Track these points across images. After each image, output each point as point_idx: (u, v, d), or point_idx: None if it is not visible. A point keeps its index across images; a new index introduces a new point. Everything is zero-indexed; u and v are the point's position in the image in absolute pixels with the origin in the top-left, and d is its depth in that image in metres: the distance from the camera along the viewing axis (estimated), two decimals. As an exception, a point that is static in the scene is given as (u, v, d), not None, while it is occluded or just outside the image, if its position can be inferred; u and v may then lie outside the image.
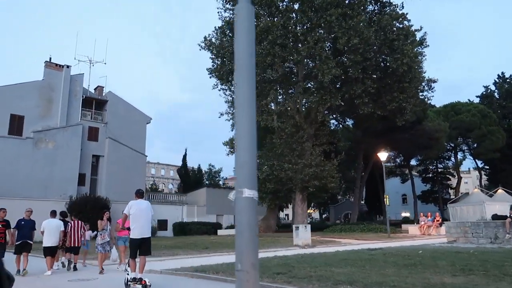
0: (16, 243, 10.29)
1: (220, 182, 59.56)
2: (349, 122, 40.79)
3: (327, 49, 22.22)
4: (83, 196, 31.01)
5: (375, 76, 24.34)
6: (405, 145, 41.31)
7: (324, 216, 69.92)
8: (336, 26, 21.65)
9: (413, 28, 23.88)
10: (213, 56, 32.80)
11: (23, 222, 10.97)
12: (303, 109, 26.30)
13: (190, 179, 49.52)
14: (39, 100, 32.07)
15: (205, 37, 36.94)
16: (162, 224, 36.36)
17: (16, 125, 30.59)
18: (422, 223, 22.17)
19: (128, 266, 7.52)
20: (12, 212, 26.48)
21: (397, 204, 65.52)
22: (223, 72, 28.26)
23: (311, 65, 24.79)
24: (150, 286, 7.07)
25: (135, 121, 37.41)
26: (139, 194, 7.92)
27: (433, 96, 30.13)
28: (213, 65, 35.94)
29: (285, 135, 24.62)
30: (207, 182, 54.22)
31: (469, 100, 53.42)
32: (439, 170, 56.13)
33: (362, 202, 71.15)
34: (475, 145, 48.83)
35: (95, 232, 10.98)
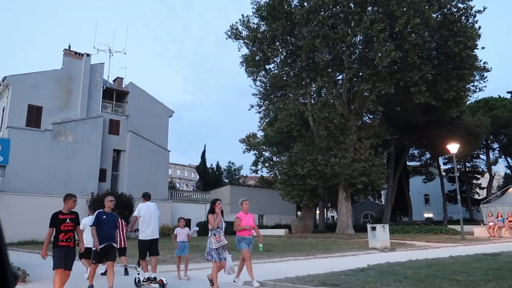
0: (100, 246, 6.94)
1: (240, 181, 57.36)
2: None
3: (383, 30, 19.97)
4: (105, 192, 28.89)
5: (431, 62, 22.03)
6: (440, 142, 38.94)
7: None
8: (394, 4, 19.48)
9: (474, 10, 21.63)
10: (248, 42, 30.61)
11: (104, 217, 7.18)
12: (350, 97, 24.04)
13: (210, 177, 47.39)
14: (58, 90, 30.01)
15: (231, 26, 34.92)
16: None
17: (34, 116, 28.54)
18: (491, 224, 19.96)
19: (139, 266, 7.84)
20: (30, 209, 24.47)
21: (419, 204, 63.14)
22: (259, 59, 26.09)
23: (360, 48, 22.43)
24: (166, 284, 7.19)
25: (157, 114, 35.31)
26: (147, 197, 8.35)
27: (485, 86, 27.55)
28: (244, 56, 33.90)
29: (332, 126, 22.46)
30: (226, 180, 52.09)
31: (499, 96, 51.05)
32: (467, 169, 53.76)
33: (380, 202, 68.96)
34: (505, 141, 46.49)
35: (194, 229, 8.47)
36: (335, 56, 22.44)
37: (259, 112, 33.76)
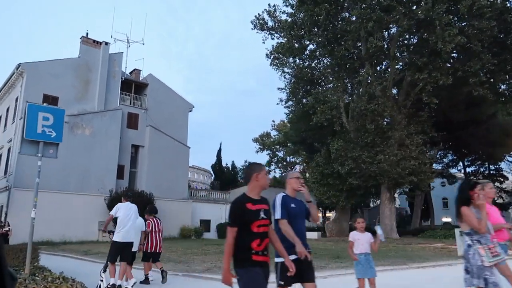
0: None
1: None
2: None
3: (446, 12, 17.98)
4: (124, 190, 26.86)
5: (490, 51, 20.04)
6: (471, 141, 36.89)
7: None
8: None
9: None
10: (280, 31, 28.79)
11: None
12: (397, 89, 22.02)
13: (225, 176, 45.38)
14: (74, 80, 28.03)
15: (257, 16, 33.10)
16: (205, 225, 32.20)
17: (49, 107, 26.51)
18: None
19: (104, 271, 7.27)
20: (45, 206, 22.40)
21: (438, 209, 61.00)
22: (293, 48, 24.11)
23: (414, 33, 20.28)
24: None
25: (176, 108, 33.32)
26: (127, 197, 7.80)
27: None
28: (278, 44, 32.02)
29: (381, 120, 20.48)
30: (242, 181, 50.03)
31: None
32: (491, 172, 51.64)
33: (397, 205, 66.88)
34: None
35: (380, 233, 5.11)
36: (383, 44, 20.43)
37: (288, 107, 31.74)
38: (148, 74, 32.61)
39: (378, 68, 22.93)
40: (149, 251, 8.70)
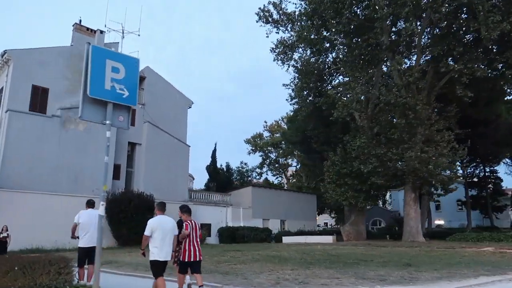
0: None
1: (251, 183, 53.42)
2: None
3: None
4: (125, 191, 24.53)
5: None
6: (477, 142, 36.12)
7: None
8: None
9: None
10: (285, 27, 27.48)
11: None
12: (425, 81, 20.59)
13: (221, 178, 43.29)
14: (66, 71, 25.49)
15: (261, 8, 31.52)
16: (205, 229, 29.98)
17: (39, 99, 23.95)
18: None
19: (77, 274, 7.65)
20: (34, 209, 19.92)
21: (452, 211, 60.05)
22: (310, 39, 22.48)
23: (450, 19, 18.77)
24: None
25: (175, 104, 31.14)
26: (90, 204, 8.57)
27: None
28: (277, 40, 30.51)
29: (412, 114, 19.02)
30: (236, 182, 48.06)
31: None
32: (486, 173, 51.38)
33: (388, 207, 66.11)
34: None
35: None
36: (411, 32, 18.94)
37: (295, 104, 30.08)
38: (145, 67, 30.28)
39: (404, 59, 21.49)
40: (186, 260, 7.28)
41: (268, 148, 58.00)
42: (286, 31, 31.21)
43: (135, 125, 28.18)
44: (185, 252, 7.48)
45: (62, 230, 22.10)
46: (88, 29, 27.03)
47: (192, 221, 8.09)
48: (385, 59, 21.41)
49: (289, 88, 32.09)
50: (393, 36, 20.98)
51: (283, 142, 57.03)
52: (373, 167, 20.41)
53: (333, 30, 20.08)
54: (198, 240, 8.08)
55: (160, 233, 6.63)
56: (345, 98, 20.77)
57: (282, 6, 30.60)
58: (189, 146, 30.80)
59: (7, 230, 14.58)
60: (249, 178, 53.71)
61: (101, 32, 27.35)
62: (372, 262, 11.20)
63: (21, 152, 21.98)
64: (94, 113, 4.22)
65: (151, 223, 6.69)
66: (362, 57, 20.53)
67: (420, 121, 19.49)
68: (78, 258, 7.78)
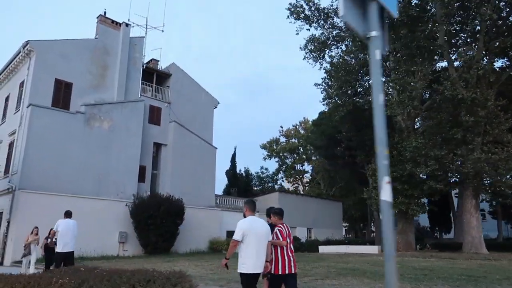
0: None
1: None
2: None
3: None
4: (153, 195, 22.66)
5: None
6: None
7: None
8: None
9: None
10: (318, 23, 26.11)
11: None
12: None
13: (240, 183, 41.40)
14: (91, 65, 23.81)
15: (292, 4, 30.02)
16: (231, 237, 27.96)
17: (62, 94, 22.21)
18: None
19: None
20: (59, 212, 18.12)
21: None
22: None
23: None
24: None
25: (201, 103, 29.37)
26: (68, 215, 9.45)
27: None
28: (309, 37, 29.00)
29: (481, 111, 17.17)
30: (257, 188, 46.14)
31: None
32: None
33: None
34: None
35: None
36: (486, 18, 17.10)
37: (328, 104, 28.28)
38: (171, 64, 28.61)
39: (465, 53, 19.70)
40: (280, 272, 5.74)
41: (284, 154, 56.13)
42: (319, 28, 29.67)
43: (160, 124, 26.43)
44: (278, 262, 5.79)
45: (88, 236, 20.30)
46: (113, 21, 25.36)
47: (285, 226, 6.37)
48: (438, 52, 19.64)
49: (320, 88, 30.40)
50: (451, 28, 19.24)
51: (300, 148, 55.25)
52: (431, 170, 18.56)
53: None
54: (293, 248, 6.36)
55: (253, 239, 5.35)
56: (390, 97, 18.90)
57: (315, 1, 29.10)
58: (216, 148, 28.96)
59: (54, 235, 12.51)
60: (269, 184, 51.74)
61: (127, 25, 25.70)
62: (486, 278, 9.29)
63: (44, 150, 20.18)
64: (354, 16, 2.35)
65: (243, 226, 5.45)
66: (421, 50, 18.76)
67: (488, 119, 17.65)
68: (56, 262, 8.87)
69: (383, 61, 25.95)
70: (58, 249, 8.82)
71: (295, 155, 56.32)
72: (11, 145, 21.98)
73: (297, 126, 55.96)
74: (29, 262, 12.77)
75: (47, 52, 21.93)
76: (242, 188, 41.09)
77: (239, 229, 5.43)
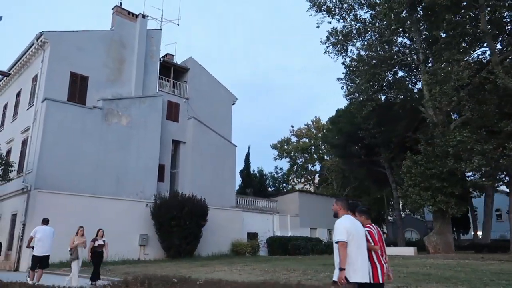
0: None
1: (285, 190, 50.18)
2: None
3: None
4: (175, 195, 21.34)
5: None
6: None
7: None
8: None
9: None
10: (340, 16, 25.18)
11: None
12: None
13: (254, 183, 40.12)
14: (107, 58, 22.55)
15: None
16: (251, 239, 26.63)
17: (77, 88, 20.93)
18: None
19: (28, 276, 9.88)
20: (77, 214, 16.82)
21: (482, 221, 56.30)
22: (390, 20, 19.48)
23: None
24: None
25: (220, 100, 28.12)
26: (45, 222, 10.36)
27: None
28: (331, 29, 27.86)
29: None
30: (270, 188, 44.85)
31: None
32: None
33: (423, 218, 62.44)
34: None
35: None
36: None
37: (351, 100, 27.03)
38: (188, 58, 27.34)
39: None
40: (380, 281, 4.81)
41: (295, 154, 54.84)
42: (341, 20, 28.50)
43: (179, 121, 25.15)
44: (377, 269, 4.89)
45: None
46: (129, 13, 24.13)
47: (375, 227, 5.21)
48: (481, 39, 18.38)
49: (342, 82, 29.19)
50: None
51: (312, 147, 53.99)
52: (477, 166, 17.30)
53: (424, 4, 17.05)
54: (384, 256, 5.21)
55: (356, 241, 4.58)
56: (441, 87, 17.56)
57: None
58: (236, 146, 27.67)
59: (102, 236, 11.17)
60: (284, 185, 50.48)
61: (144, 16, 24.46)
62: None
63: (60, 148, 18.89)
64: None
65: (346, 224, 4.59)
66: (461, 38, 17.55)
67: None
68: (32, 263, 9.84)
69: (410, 53, 24.62)
70: (35, 252, 9.76)
71: (306, 155, 55.07)
72: (24, 142, 20.68)
73: (309, 125, 54.66)
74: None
75: (62, 44, 20.67)
76: (256, 188, 39.84)
77: (343, 228, 4.53)
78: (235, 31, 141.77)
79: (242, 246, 23.95)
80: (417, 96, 24.00)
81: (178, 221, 19.85)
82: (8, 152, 21.95)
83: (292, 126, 57.49)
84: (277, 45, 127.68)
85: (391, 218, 57.24)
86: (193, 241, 20.73)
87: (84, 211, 18.59)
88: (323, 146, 52.87)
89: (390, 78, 25.51)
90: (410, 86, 25.89)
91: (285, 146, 55.34)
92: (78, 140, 19.61)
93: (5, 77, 24.80)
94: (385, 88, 26.09)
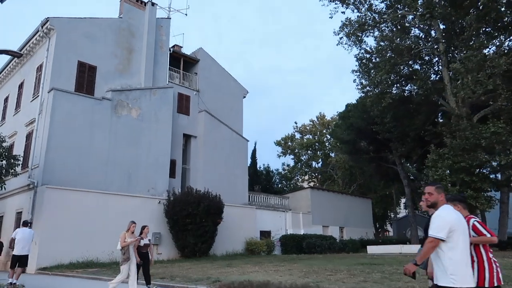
0: None
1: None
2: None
3: None
4: (189, 190, 20.19)
5: None
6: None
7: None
8: None
9: None
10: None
11: None
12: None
13: (261, 181, 39.06)
14: (115, 47, 21.37)
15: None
16: (264, 237, 25.58)
17: (85, 78, 19.73)
18: None
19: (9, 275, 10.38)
20: (88, 211, 15.70)
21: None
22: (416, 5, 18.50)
23: None
24: (24, 287, 9.90)
25: (230, 92, 27.04)
26: (25, 224, 10.94)
27: None
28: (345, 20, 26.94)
29: None
30: (276, 186, 43.81)
31: None
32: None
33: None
34: None
35: None
36: None
37: (370, 91, 26.01)
38: (198, 49, 26.21)
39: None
40: (495, 284, 3.89)
41: (300, 151, 53.82)
42: (356, 10, 27.49)
43: (189, 114, 24.02)
44: (493, 270, 3.96)
45: (118, 237, 17.86)
46: (138, 0, 22.93)
47: (476, 218, 4.27)
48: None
49: (357, 74, 28.20)
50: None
51: (317, 144, 53.02)
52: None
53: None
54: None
55: (462, 238, 3.66)
56: (475, 74, 16.61)
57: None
58: (248, 141, 26.61)
59: (146, 234, 9.08)
60: (291, 182, 49.49)
61: (153, 4, 23.29)
62: None
63: (68, 141, 17.71)
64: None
65: (449, 218, 3.61)
66: (495, 24, 16.63)
67: None
68: (11, 262, 10.38)
69: (430, 43, 23.61)
70: (15, 252, 10.21)
71: (309, 152, 54.08)
72: (29, 136, 19.46)
73: (314, 122, 53.66)
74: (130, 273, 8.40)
75: (69, 32, 19.47)
76: (263, 185, 38.79)
77: (445, 222, 3.57)
78: (229, 31, 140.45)
79: (257, 245, 22.90)
80: (438, 87, 23.05)
81: (194, 218, 18.75)
82: (11, 146, 20.69)
83: (296, 123, 56.57)
84: (271, 46, 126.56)
85: (397, 216, 56.55)
86: (209, 239, 19.64)
87: (94, 208, 17.49)
88: (327, 143, 51.96)
89: (408, 71, 24.57)
90: (429, 78, 24.98)
91: (289, 143, 54.29)
92: (87, 133, 18.45)
93: (7, 67, 23.54)
94: (402, 80, 25.17)
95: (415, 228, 34.21)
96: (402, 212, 61.15)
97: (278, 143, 54.96)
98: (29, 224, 11.42)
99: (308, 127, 54.45)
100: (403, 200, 61.61)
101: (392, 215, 54.41)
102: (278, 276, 9.78)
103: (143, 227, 8.91)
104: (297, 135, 55.42)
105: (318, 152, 53.66)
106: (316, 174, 55.35)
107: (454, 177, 19.33)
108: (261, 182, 38.64)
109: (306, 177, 54.95)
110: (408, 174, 35.61)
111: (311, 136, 54.45)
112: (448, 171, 19.37)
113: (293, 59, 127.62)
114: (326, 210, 31.10)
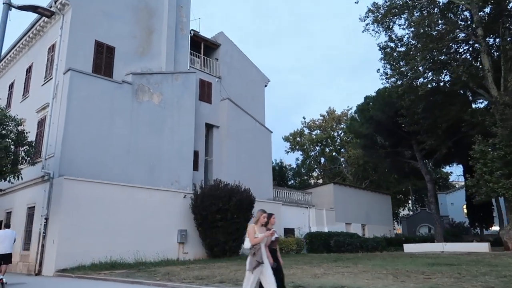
0: None
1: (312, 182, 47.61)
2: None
3: None
4: (216, 184, 18.41)
5: None
6: None
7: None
8: None
9: None
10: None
11: None
12: None
13: (275, 176, 37.28)
14: (135, 27, 19.51)
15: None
16: (289, 235, 23.91)
17: (103, 60, 17.85)
18: None
19: None
20: (111, 206, 13.81)
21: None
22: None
23: None
24: (6, 283, 10.61)
25: (252, 80, 25.31)
26: (6, 226, 11.88)
27: None
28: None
29: None
30: (292, 181, 42.17)
31: None
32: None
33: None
34: None
35: None
36: None
37: (403, 80, 24.43)
38: (219, 33, 24.42)
39: None
40: None
41: (310, 146, 52.18)
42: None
43: (211, 102, 22.24)
44: None
45: (146, 236, 16.06)
46: (156, -23, 21.05)
47: None
48: None
49: (384, 62, 26.62)
50: None
51: (328, 140, 51.41)
52: None
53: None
54: None
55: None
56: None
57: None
58: (272, 132, 24.89)
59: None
60: (305, 177, 47.85)
61: (173, -18, 21.41)
62: None
63: (87, 128, 15.87)
64: None
65: None
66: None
67: None
68: None
69: (467, 28, 22.01)
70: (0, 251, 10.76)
71: (318, 147, 52.49)
72: (41, 123, 17.57)
73: (324, 116, 52.07)
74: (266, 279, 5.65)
75: (85, 8, 17.59)
76: (277, 181, 37.15)
77: None
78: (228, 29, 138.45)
79: (287, 243, 21.22)
80: (478, 75, 21.58)
81: (225, 214, 17.01)
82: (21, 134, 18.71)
83: (304, 118, 54.91)
84: (268, 46, 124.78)
85: (409, 213, 55.25)
86: (240, 237, 17.88)
87: (117, 203, 15.71)
88: (338, 138, 50.45)
89: (445, 58, 23.08)
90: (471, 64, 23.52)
91: (298, 139, 52.64)
92: (107, 119, 16.60)
93: (12, 51, 21.57)
94: (438, 67, 23.65)
95: (441, 225, 32.78)
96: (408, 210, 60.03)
97: (286, 139, 53.27)
98: (9, 226, 12.27)
99: (317, 122, 52.87)
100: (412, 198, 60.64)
101: (405, 213, 53.01)
102: (369, 281, 8.09)
103: (270, 216, 6.17)
104: (306, 131, 53.82)
105: (327, 148, 52.11)
106: (324, 170, 53.84)
107: (506, 169, 17.81)
108: (275, 177, 36.94)
109: (315, 174, 53.45)
110: (430, 170, 34.19)
111: (319, 132, 52.90)
112: (498, 164, 17.83)
113: (288, 59, 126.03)
114: (349, 207, 29.57)
